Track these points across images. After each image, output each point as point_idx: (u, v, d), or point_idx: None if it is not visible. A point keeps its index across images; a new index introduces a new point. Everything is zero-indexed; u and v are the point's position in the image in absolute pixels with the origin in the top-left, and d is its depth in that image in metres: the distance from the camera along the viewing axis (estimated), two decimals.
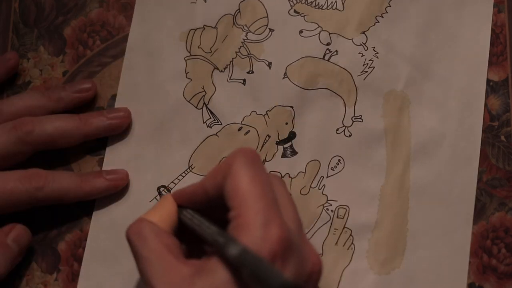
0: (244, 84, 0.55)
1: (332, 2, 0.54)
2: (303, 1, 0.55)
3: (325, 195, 0.53)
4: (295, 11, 0.55)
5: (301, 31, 0.54)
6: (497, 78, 0.53)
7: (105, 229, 0.54)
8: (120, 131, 0.54)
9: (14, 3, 0.57)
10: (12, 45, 0.56)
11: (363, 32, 0.54)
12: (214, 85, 0.55)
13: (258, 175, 0.43)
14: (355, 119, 0.54)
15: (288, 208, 0.44)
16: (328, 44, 0.54)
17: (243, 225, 0.41)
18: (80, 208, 0.54)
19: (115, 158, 0.54)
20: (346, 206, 0.53)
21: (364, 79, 0.54)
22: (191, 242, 0.47)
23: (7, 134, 0.52)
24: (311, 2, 0.55)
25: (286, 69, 0.54)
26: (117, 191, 0.53)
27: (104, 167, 0.54)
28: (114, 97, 0.55)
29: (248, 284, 0.40)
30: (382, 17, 0.54)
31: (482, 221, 0.52)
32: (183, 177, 0.54)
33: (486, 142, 0.53)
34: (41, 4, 0.57)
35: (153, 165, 0.54)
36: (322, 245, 0.52)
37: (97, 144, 0.55)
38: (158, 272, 0.42)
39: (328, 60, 0.54)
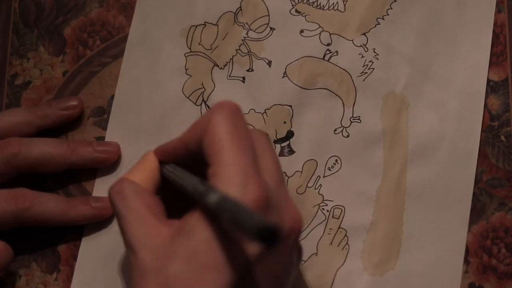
0: (243, 82, 0.55)
1: (333, 3, 0.54)
2: (305, 1, 0.55)
3: (321, 195, 0.53)
4: (296, 11, 0.55)
5: (301, 31, 0.54)
6: (497, 78, 0.53)
7: (103, 226, 0.54)
8: (106, 165, 0.53)
9: (14, 3, 0.57)
10: (12, 45, 0.56)
11: (364, 34, 0.54)
12: (213, 82, 0.55)
13: (237, 130, 0.42)
14: (353, 119, 0.54)
15: (269, 165, 0.44)
16: (328, 44, 0.54)
17: (221, 183, 0.40)
18: None
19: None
20: (342, 206, 0.53)
21: (363, 80, 0.54)
22: (174, 201, 0.46)
23: None
24: (313, 2, 0.54)
25: (285, 68, 0.54)
26: (103, 219, 0.53)
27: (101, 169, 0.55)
28: (114, 97, 0.55)
29: (228, 234, 0.40)
30: (383, 19, 0.54)
31: (482, 221, 0.52)
32: None
33: (486, 142, 0.53)
34: (41, 4, 0.56)
35: None
36: (317, 244, 0.53)
37: None
38: (138, 233, 0.42)
39: (328, 60, 0.54)
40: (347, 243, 0.53)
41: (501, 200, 0.52)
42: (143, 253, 0.41)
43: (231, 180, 0.40)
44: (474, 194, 0.52)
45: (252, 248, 0.40)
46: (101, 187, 0.54)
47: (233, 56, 0.55)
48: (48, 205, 0.51)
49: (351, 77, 0.54)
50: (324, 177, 0.53)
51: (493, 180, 0.52)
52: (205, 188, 0.40)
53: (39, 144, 0.51)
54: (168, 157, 0.46)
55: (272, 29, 0.55)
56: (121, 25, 0.56)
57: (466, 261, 0.52)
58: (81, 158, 0.52)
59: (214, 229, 0.40)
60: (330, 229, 0.53)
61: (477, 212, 0.52)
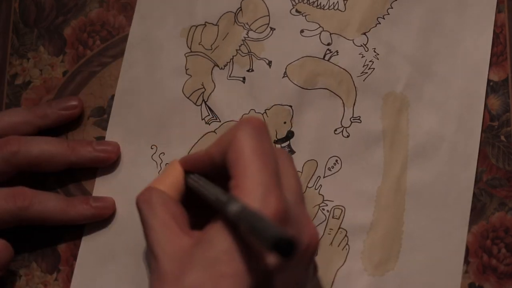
0: (243, 82, 0.55)
1: (334, 3, 0.54)
2: (305, 0, 0.55)
3: (321, 195, 0.53)
4: (296, 11, 0.55)
5: (302, 31, 0.54)
6: (497, 78, 0.53)
7: (102, 224, 0.54)
8: (106, 165, 0.54)
9: (14, 3, 0.57)
10: (12, 45, 0.56)
11: (364, 33, 0.54)
12: (213, 82, 0.55)
13: (261, 145, 0.43)
14: (353, 119, 0.54)
15: (290, 182, 0.45)
16: (328, 44, 0.54)
17: (242, 195, 0.41)
18: None
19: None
20: (342, 206, 0.53)
21: (363, 80, 0.54)
22: (197, 211, 0.47)
23: None
24: (313, 2, 0.54)
25: (286, 68, 0.54)
26: (103, 219, 0.53)
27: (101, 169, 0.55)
28: (114, 97, 0.55)
29: (247, 244, 0.41)
30: (384, 18, 0.54)
31: (482, 221, 0.52)
32: None
33: (486, 142, 0.53)
34: (41, 4, 0.56)
35: (150, 161, 0.55)
36: None
37: None
38: (161, 241, 0.43)
39: (328, 60, 0.54)
40: (347, 244, 0.53)
41: (501, 200, 0.52)
42: (164, 260, 0.43)
43: (252, 192, 0.41)
44: (474, 194, 0.52)
45: (270, 259, 0.41)
46: (101, 187, 0.55)
47: (233, 56, 0.55)
48: (48, 204, 0.51)
49: (351, 77, 0.54)
50: (324, 177, 0.53)
51: (493, 180, 0.52)
52: (226, 198, 0.41)
53: (39, 142, 0.52)
54: (193, 167, 0.47)
55: (272, 29, 0.55)
56: (121, 25, 0.56)
57: (466, 261, 0.52)
58: (81, 157, 0.52)
59: (233, 239, 0.41)
60: (330, 229, 0.53)
61: (477, 212, 0.52)
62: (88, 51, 0.56)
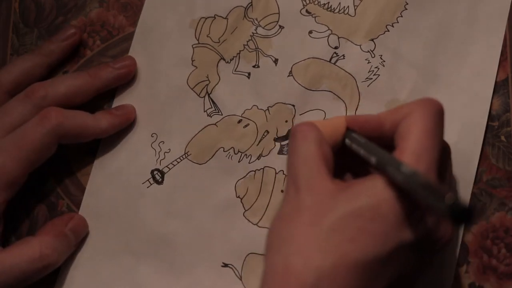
0: (248, 77, 0.55)
1: (344, 7, 0.54)
2: (316, 2, 0.55)
3: None
4: (307, 11, 0.55)
5: (310, 32, 0.55)
6: (497, 78, 0.53)
7: (95, 208, 0.54)
8: (128, 80, 0.55)
9: (14, 3, 0.57)
10: (12, 45, 0.57)
11: (372, 40, 0.54)
12: (218, 75, 0.55)
13: (435, 129, 0.43)
14: None
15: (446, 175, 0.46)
16: (336, 47, 0.54)
17: None
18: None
19: (113, 138, 0.55)
20: None
21: (368, 86, 0.54)
22: (341, 170, 0.48)
23: (22, 104, 0.52)
24: (324, 4, 0.55)
25: (292, 67, 0.54)
26: (129, 123, 0.55)
27: (102, 145, 0.55)
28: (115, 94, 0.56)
29: (395, 211, 0.41)
30: (393, 26, 0.54)
31: (482, 221, 0.52)
32: (178, 162, 0.54)
33: (486, 142, 0.52)
34: (41, 4, 0.57)
35: (149, 148, 0.55)
36: None
37: (96, 145, 0.55)
38: (307, 175, 0.43)
39: (334, 63, 0.54)
40: None
41: (501, 200, 0.52)
42: (306, 194, 0.43)
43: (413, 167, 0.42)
44: (474, 194, 0.52)
45: (408, 232, 0.42)
46: (98, 171, 0.55)
47: (240, 51, 0.55)
48: (78, 117, 0.52)
49: (356, 82, 0.54)
50: None
51: (493, 180, 0.52)
52: (396, 160, 0.42)
53: (63, 80, 0.53)
54: (359, 127, 0.47)
55: (281, 27, 0.55)
56: (121, 25, 0.56)
57: (466, 261, 0.52)
58: (105, 80, 0.54)
59: (383, 200, 0.41)
60: None
61: (477, 212, 0.52)
62: (88, 51, 0.56)
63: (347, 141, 0.47)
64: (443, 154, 0.45)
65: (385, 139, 0.45)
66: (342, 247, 0.41)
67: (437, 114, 0.44)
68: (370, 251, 0.41)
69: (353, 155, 0.46)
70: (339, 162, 0.46)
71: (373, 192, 0.42)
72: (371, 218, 0.41)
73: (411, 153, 0.42)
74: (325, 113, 0.54)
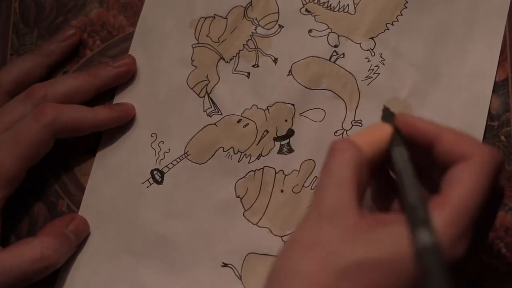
0: (248, 77, 0.55)
1: (344, 5, 0.54)
2: (316, 0, 0.55)
3: None
4: (306, 10, 0.55)
5: (310, 31, 0.54)
6: (497, 78, 0.53)
7: (95, 208, 0.54)
8: (128, 78, 0.55)
9: (14, 3, 0.57)
10: (12, 45, 0.57)
11: (372, 38, 0.54)
12: (218, 75, 0.55)
13: (486, 184, 0.40)
14: (354, 123, 0.54)
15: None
16: (336, 46, 0.54)
17: (438, 219, 0.38)
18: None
19: (113, 138, 0.55)
20: None
21: (368, 84, 0.54)
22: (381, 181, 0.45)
23: (22, 104, 0.52)
24: (324, 3, 0.54)
25: (291, 66, 0.54)
26: (127, 120, 0.55)
27: (102, 145, 0.55)
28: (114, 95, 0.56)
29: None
30: (393, 25, 0.54)
31: None
32: (178, 162, 0.54)
33: (486, 142, 0.52)
34: (41, 4, 0.57)
35: (149, 148, 0.55)
36: None
37: (96, 144, 0.55)
38: (335, 202, 0.40)
39: (334, 62, 0.54)
40: None
41: None
42: (327, 224, 0.39)
43: (448, 225, 0.38)
44: None
45: None
46: (98, 171, 0.55)
47: (239, 50, 0.55)
48: (75, 110, 0.52)
49: (356, 81, 0.54)
50: None
51: None
52: (425, 218, 0.38)
53: (62, 80, 0.53)
54: (408, 130, 0.43)
55: (280, 26, 0.55)
56: (121, 25, 0.56)
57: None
58: (105, 79, 0.54)
59: (402, 255, 0.38)
60: None
61: None
62: (88, 51, 0.56)
63: (391, 151, 0.42)
64: (494, 203, 0.42)
65: (427, 153, 0.42)
66: None
67: (496, 171, 0.40)
68: None
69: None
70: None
71: (397, 243, 0.38)
72: (389, 273, 0.38)
73: (452, 208, 0.39)
74: (325, 112, 0.54)
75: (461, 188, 0.39)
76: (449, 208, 0.39)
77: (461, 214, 0.39)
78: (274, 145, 0.54)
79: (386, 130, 0.43)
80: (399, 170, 0.41)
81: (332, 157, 0.41)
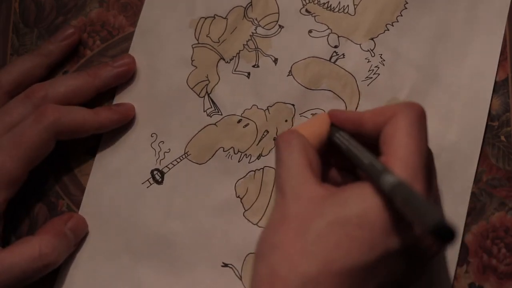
0: (248, 77, 0.55)
1: (344, 6, 0.54)
2: (316, 1, 0.55)
3: None
4: (306, 11, 0.55)
5: (310, 31, 0.54)
6: (497, 78, 0.53)
7: (95, 208, 0.54)
8: (128, 78, 0.55)
9: (14, 3, 0.57)
10: (12, 45, 0.57)
11: (372, 39, 0.54)
12: (218, 75, 0.55)
13: (419, 133, 0.43)
14: None
15: (433, 181, 0.45)
16: (336, 46, 0.54)
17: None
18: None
19: (113, 138, 0.55)
20: None
21: (368, 85, 0.54)
22: (328, 167, 0.48)
23: (22, 104, 0.52)
24: (324, 4, 0.55)
25: (291, 67, 0.54)
26: (127, 121, 0.55)
27: (102, 145, 0.55)
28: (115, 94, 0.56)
29: (382, 218, 0.40)
30: (393, 25, 0.54)
31: (482, 221, 0.52)
32: (178, 162, 0.54)
33: (486, 142, 0.52)
34: (41, 4, 0.57)
35: (149, 148, 0.55)
36: None
37: (96, 144, 0.55)
38: (293, 182, 0.43)
39: (334, 62, 0.54)
40: None
41: (501, 200, 0.52)
42: (292, 201, 0.43)
43: (401, 172, 0.41)
44: (474, 194, 0.52)
45: (395, 240, 0.41)
46: (97, 172, 0.55)
47: (240, 50, 0.55)
48: (75, 112, 0.52)
49: (356, 81, 0.54)
50: None
51: (493, 180, 0.52)
52: (382, 167, 0.41)
53: (62, 80, 0.53)
54: (340, 123, 0.47)
55: (281, 26, 0.55)
56: (121, 25, 0.56)
57: (466, 261, 0.51)
58: (105, 79, 0.54)
59: (371, 207, 0.41)
60: None
61: (477, 212, 0.52)
62: (88, 51, 0.56)
63: (333, 138, 0.47)
64: (429, 160, 0.45)
65: (365, 137, 0.45)
66: (328, 253, 0.40)
67: (420, 118, 0.44)
68: (356, 258, 0.40)
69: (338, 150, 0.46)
70: (326, 158, 0.46)
71: (361, 199, 0.41)
72: (358, 225, 0.41)
73: (397, 159, 0.42)
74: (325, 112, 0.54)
75: (396, 139, 0.43)
76: (394, 160, 0.42)
77: (407, 162, 0.42)
78: (274, 145, 0.54)
79: (325, 120, 0.48)
80: (346, 146, 0.45)
81: (279, 147, 0.45)
